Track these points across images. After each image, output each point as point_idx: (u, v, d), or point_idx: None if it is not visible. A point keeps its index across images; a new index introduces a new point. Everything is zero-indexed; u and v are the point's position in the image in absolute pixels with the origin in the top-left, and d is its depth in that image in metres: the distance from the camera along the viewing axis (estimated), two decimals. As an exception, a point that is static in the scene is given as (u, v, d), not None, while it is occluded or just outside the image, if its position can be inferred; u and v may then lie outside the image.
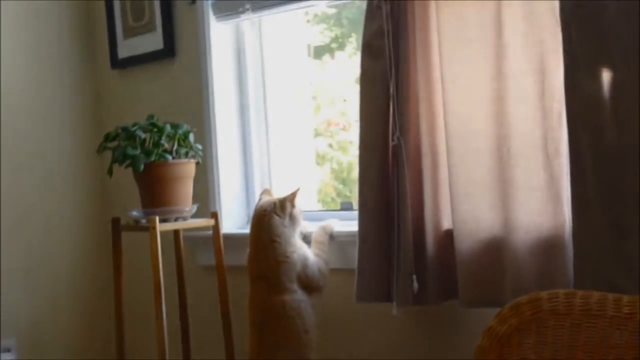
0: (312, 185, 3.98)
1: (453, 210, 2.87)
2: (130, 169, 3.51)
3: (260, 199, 3.41)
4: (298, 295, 3.25)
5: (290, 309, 3.23)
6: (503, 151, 2.79)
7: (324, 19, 4.00)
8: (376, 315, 3.25)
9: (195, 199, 3.63)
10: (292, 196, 3.33)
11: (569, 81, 2.60)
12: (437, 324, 3.10)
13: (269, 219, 3.30)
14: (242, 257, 3.72)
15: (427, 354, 3.13)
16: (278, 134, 3.95)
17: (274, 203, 3.32)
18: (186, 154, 3.56)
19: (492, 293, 2.77)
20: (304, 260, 3.27)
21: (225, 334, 3.68)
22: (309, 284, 3.27)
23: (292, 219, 3.32)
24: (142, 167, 3.44)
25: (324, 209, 3.88)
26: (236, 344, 3.69)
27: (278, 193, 3.48)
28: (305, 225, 3.47)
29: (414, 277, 2.91)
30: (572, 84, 2.59)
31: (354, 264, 3.08)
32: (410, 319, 3.16)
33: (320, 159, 4.02)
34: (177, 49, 4.07)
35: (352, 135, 3.86)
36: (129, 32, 4.25)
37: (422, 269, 2.92)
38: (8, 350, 4.11)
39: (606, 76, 2.54)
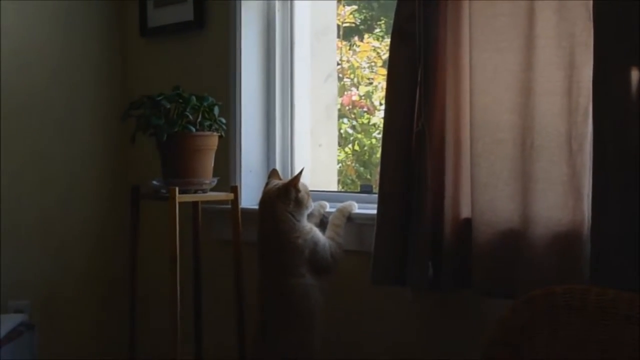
0: (333, 166, 3.98)
1: (473, 200, 2.87)
2: (153, 139, 3.52)
3: (267, 183, 3.40)
4: (306, 280, 3.24)
5: (297, 292, 3.23)
6: (526, 144, 2.78)
7: (355, 0, 3.99)
8: (391, 299, 3.25)
9: (216, 172, 3.64)
10: (295, 180, 3.30)
11: (598, 77, 2.58)
12: (450, 311, 3.10)
13: (273, 206, 3.29)
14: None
15: (439, 339, 3.14)
16: (302, 112, 3.94)
17: (278, 189, 3.30)
18: (210, 127, 3.56)
19: (506, 284, 2.76)
20: (313, 246, 3.26)
21: (237, 308, 3.69)
22: (318, 268, 3.27)
23: (298, 203, 3.30)
24: (165, 136, 3.45)
25: (343, 190, 3.88)
26: (248, 319, 3.69)
27: (289, 174, 3.47)
28: (322, 205, 3.46)
29: (430, 263, 2.91)
30: (601, 80, 2.58)
31: (371, 246, 3.08)
32: (424, 304, 3.16)
33: (343, 140, 4.01)
34: (206, 21, 4.06)
35: (376, 118, 3.86)
36: (160, 1, 4.25)
37: (439, 256, 2.92)
38: (21, 312, 4.13)
39: (635, 74, 2.52)
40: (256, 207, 3.86)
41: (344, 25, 4.00)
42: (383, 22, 3.87)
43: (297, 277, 3.23)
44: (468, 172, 2.89)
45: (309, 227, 3.30)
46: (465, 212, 2.95)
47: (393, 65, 3.06)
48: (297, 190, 3.30)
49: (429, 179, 2.93)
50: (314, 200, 3.62)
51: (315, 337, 3.24)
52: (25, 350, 3.84)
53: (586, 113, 2.68)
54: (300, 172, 3.32)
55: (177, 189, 3.43)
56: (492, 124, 2.82)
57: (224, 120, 3.62)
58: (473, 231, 2.84)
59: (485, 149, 2.83)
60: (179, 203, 3.45)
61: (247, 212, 3.74)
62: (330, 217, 3.41)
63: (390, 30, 3.10)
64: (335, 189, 3.90)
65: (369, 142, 3.95)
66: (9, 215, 4.23)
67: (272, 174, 3.45)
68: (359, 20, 3.99)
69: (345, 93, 4.02)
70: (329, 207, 3.49)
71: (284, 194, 3.29)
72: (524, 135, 2.78)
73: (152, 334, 4.23)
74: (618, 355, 2.31)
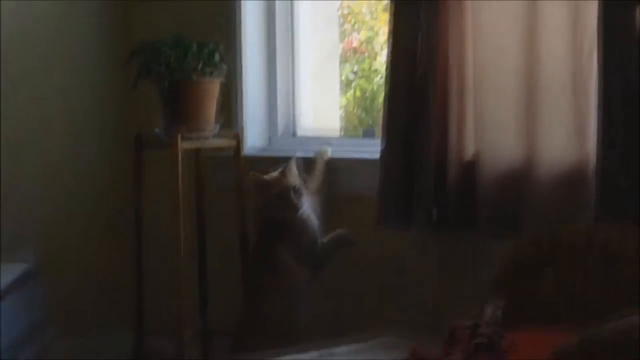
0: (336, 111, 3.97)
1: (477, 141, 2.86)
2: (154, 86, 3.51)
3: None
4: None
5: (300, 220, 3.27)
6: (531, 85, 2.78)
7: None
8: (394, 242, 3.25)
9: (219, 118, 3.62)
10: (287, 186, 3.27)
11: (603, 17, 2.57)
12: (455, 252, 3.10)
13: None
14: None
15: (443, 280, 3.14)
16: (304, 57, 3.92)
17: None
18: (211, 73, 3.54)
19: (511, 224, 2.76)
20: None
21: (242, 256, 3.69)
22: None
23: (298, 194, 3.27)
24: (166, 83, 3.44)
25: (346, 135, 3.87)
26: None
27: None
28: (324, 152, 3.47)
29: (434, 204, 2.91)
30: (606, 20, 2.56)
31: (374, 190, 3.08)
32: (429, 245, 3.16)
33: (345, 85, 4.00)
34: (207, -37, 4.02)
35: (377, 64, 3.84)
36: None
37: (443, 197, 2.93)
38: (24, 261, 4.14)
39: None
40: (259, 153, 3.87)
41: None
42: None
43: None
44: (472, 113, 2.88)
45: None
46: (470, 153, 2.94)
47: (395, 6, 3.03)
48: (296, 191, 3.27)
49: (433, 121, 2.92)
50: (318, 145, 3.62)
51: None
52: (30, 298, 3.85)
53: (591, 53, 2.67)
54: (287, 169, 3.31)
55: (179, 136, 3.42)
56: (496, 64, 2.81)
57: (225, 67, 3.60)
58: (477, 172, 2.84)
59: (489, 90, 2.83)
60: (182, 150, 3.45)
61: (249, 158, 3.73)
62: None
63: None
64: (338, 135, 3.88)
65: (370, 87, 3.93)
66: (11, 165, 4.22)
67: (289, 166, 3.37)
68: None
69: (346, 39, 4.00)
70: (330, 153, 3.48)
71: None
72: (528, 75, 2.78)
73: (158, 282, 4.24)
74: (623, 293, 2.32)
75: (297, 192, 3.24)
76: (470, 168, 2.92)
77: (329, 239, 3.33)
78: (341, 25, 3.98)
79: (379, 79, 3.79)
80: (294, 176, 3.29)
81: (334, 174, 3.48)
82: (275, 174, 3.32)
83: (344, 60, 3.98)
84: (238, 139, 3.64)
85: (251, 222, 3.47)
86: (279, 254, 3.29)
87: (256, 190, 3.32)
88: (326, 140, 3.68)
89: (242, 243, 3.68)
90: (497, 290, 2.36)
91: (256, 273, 3.38)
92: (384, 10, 3.70)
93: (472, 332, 2.09)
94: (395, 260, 3.30)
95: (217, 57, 3.55)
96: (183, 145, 3.45)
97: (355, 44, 3.99)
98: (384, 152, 3.06)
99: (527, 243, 2.42)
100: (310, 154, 3.59)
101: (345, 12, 3.98)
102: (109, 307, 4.44)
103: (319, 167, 3.45)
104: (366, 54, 3.97)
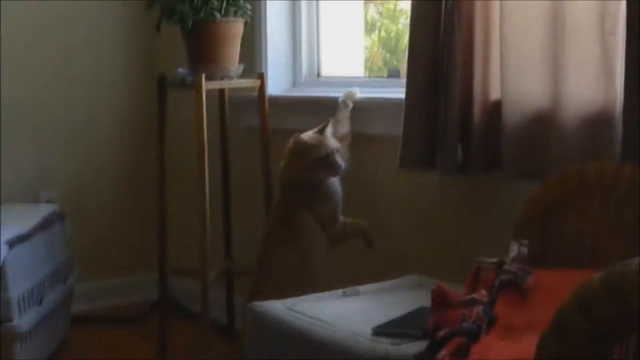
0: (360, 52, 3.94)
1: (503, 81, 2.83)
2: (178, 26, 3.49)
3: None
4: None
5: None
6: (557, 24, 2.73)
7: None
8: (419, 183, 3.25)
9: (242, 60, 3.61)
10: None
11: (631, -46, 2.53)
12: (479, 194, 3.09)
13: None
14: (287, 121, 3.73)
15: (468, 222, 3.14)
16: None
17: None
18: (235, 13, 3.53)
19: (537, 165, 2.74)
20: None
21: (266, 196, 3.70)
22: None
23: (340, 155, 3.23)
24: (190, 23, 3.43)
25: (370, 76, 3.85)
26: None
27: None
28: (352, 95, 3.43)
29: (459, 146, 2.89)
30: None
31: (399, 131, 3.06)
32: (453, 187, 3.15)
33: (369, 26, 3.97)
34: None
35: (403, 3, 3.80)
36: None
37: (468, 139, 2.90)
38: (51, 202, 4.17)
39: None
40: (283, 94, 3.86)
41: None
42: None
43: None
44: (498, 53, 2.85)
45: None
46: (495, 94, 2.92)
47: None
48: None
49: (458, 61, 2.89)
50: (342, 87, 3.60)
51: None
52: (56, 238, 3.88)
53: (619, -7, 2.63)
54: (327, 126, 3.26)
55: (203, 75, 3.41)
56: (522, 3, 2.77)
57: (249, 7, 3.59)
58: (503, 113, 2.82)
59: (515, 30, 2.78)
60: (206, 91, 3.44)
61: (273, 99, 3.72)
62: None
63: None
64: (362, 76, 3.87)
65: (395, 28, 3.90)
66: (37, 110, 4.24)
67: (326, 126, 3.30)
68: None
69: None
70: (359, 94, 3.45)
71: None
72: (555, 15, 2.73)
73: (183, 224, 4.26)
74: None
75: (339, 152, 3.21)
76: (496, 109, 2.89)
77: (351, 224, 3.29)
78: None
79: (404, 19, 3.77)
80: (333, 137, 3.25)
81: (359, 116, 3.47)
82: (316, 135, 3.23)
83: (368, 0, 3.95)
84: (262, 79, 3.63)
85: (277, 179, 3.43)
86: (305, 217, 3.23)
87: (298, 152, 3.22)
88: (351, 82, 3.65)
89: (266, 184, 3.69)
90: (522, 230, 2.36)
91: (276, 232, 3.32)
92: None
93: (497, 269, 2.09)
94: (420, 202, 3.30)
95: (241, -4, 3.54)
96: (207, 85, 3.44)
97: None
98: (408, 94, 3.04)
99: (554, 181, 2.40)
100: (335, 94, 3.59)
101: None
102: (133, 248, 4.48)
103: (346, 113, 3.41)
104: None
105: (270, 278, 3.21)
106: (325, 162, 3.17)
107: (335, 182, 3.25)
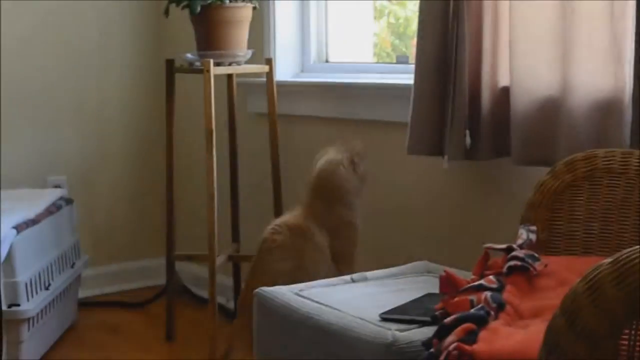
0: (369, 38, 3.94)
1: (511, 67, 2.83)
2: (186, 11, 3.49)
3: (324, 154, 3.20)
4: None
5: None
6: (567, 9, 2.72)
7: None
8: (427, 169, 3.24)
9: (250, 45, 3.61)
10: (362, 153, 3.15)
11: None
12: (487, 180, 3.09)
13: (340, 176, 3.13)
14: (295, 106, 3.73)
15: (476, 208, 3.14)
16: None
17: (345, 159, 3.13)
18: (243, -2, 3.53)
19: (545, 152, 2.74)
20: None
21: (274, 181, 3.70)
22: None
23: (361, 179, 3.16)
24: (198, 8, 3.42)
25: (379, 62, 3.85)
26: (284, 191, 3.71)
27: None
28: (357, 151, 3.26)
29: (467, 131, 2.89)
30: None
31: (407, 117, 3.06)
32: (461, 173, 3.15)
33: (378, 12, 3.96)
34: None
35: (412, -11, 3.80)
36: None
37: (476, 124, 2.90)
38: (59, 187, 4.17)
39: None
40: (291, 79, 3.85)
41: None
42: None
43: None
44: (507, 38, 2.84)
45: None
46: (504, 79, 2.91)
47: None
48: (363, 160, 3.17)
49: (467, 47, 2.89)
50: (350, 72, 3.60)
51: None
52: (64, 223, 3.89)
53: (629, -24, 2.62)
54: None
55: (211, 61, 3.41)
56: (532, -13, 2.77)
57: (257, -9, 3.59)
58: (511, 99, 2.81)
59: (524, 15, 2.78)
60: (214, 76, 3.44)
61: (282, 84, 3.72)
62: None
63: None
64: (371, 61, 3.86)
65: (404, 14, 3.89)
66: (44, 94, 4.24)
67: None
68: None
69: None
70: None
71: (351, 166, 3.14)
72: (564, 0, 2.73)
73: (190, 209, 4.26)
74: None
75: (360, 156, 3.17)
76: (505, 95, 2.89)
77: None
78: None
79: (413, 5, 3.76)
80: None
81: (368, 102, 3.47)
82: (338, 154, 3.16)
83: (376, -14, 3.94)
84: (271, 64, 3.63)
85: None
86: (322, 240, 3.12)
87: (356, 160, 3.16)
88: (359, 67, 3.65)
89: (274, 169, 3.69)
90: (530, 216, 2.35)
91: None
92: None
93: (505, 255, 2.09)
94: (428, 188, 3.30)
95: (249, -19, 3.53)
96: (215, 70, 3.44)
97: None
98: (417, 80, 3.04)
99: (562, 167, 2.39)
100: (344, 80, 3.59)
101: None
102: (141, 233, 4.49)
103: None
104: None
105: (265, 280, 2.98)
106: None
107: (357, 224, 3.17)
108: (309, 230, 3.09)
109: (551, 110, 2.76)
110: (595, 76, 2.69)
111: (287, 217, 3.17)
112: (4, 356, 3.31)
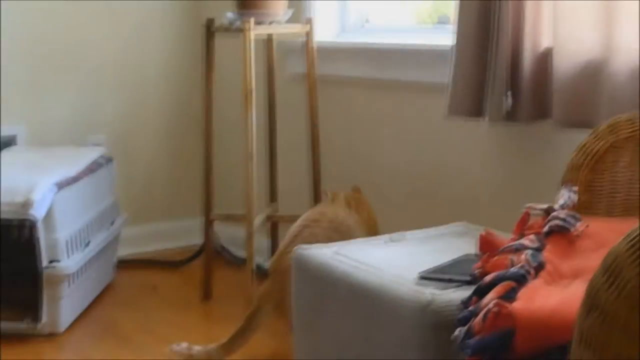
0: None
1: (554, 29, 2.80)
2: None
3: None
4: None
5: None
6: (611, -29, 2.69)
7: None
8: (467, 131, 3.23)
9: (290, 4, 3.59)
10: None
11: None
12: (528, 143, 3.07)
13: None
14: (334, 67, 3.72)
15: (516, 170, 3.12)
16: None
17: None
18: (284, -43, 3.51)
19: (587, 114, 2.72)
20: None
21: (312, 142, 3.70)
22: None
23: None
24: (239, -33, 3.42)
25: (419, 23, 3.82)
26: (322, 153, 3.71)
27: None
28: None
29: (508, 93, 2.87)
30: None
31: (447, 79, 3.04)
32: (501, 135, 3.13)
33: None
34: None
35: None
36: None
37: (517, 87, 2.88)
38: (99, 146, 4.19)
39: None
40: (331, 40, 3.84)
41: None
42: None
43: None
44: (549, 1, 2.81)
45: None
46: (546, 41, 2.89)
47: None
48: None
49: (509, 8, 2.86)
50: (390, 33, 3.57)
51: None
52: (103, 182, 3.91)
53: None
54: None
55: (252, 20, 3.40)
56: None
57: (298, -49, 3.57)
58: (553, 61, 2.79)
59: (567, -24, 2.75)
60: (253, 36, 3.43)
61: (321, 45, 3.71)
62: None
63: None
64: (411, 23, 3.83)
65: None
66: (85, 55, 4.26)
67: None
68: None
69: None
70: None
71: None
72: (609, -40, 2.69)
73: (228, 170, 4.27)
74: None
75: None
76: (546, 57, 2.86)
77: None
78: None
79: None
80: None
81: (408, 63, 3.45)
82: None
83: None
84: (311, 24, 3.62)
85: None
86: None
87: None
88: (399, 28, 3.63)
89: (312, 131, 3.69)
90: (571, 177, 2.34)
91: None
92: None
93: (546, 215, 2.07)
94: (468, 150, 3.28)
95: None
96: (255, 30, 3.43)
97: None
98: (458, 41, 3.01)
99: (604, 130, 2.37)
100: (383, 42, 3.57)
101: None
102: (179, 193, 4.51)
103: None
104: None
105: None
106: None
107: None
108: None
109: (593, 73, 2.73)
110: (638, 39, 2.66)
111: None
112: (44, 312, 3.35)
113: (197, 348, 3.02)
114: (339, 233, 3.04)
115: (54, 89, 4.17)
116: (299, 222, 3.15)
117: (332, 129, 3.75)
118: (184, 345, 3.03)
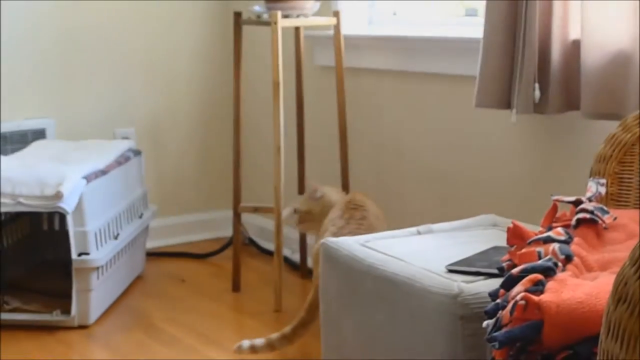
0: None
1: (582, 20, 2.78)
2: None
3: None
4: None
5: None
6: (642, -40, 2.68)
7: None
8: (495, 122, 3.22)
9: (318, -3, 3.60)
10: None
11: None
12: (556, 134, 3.06)
13: None
14: (362, 59, 3.72)
15: (544, 162, 3.11)
16: None
17: None
18: (312, -50, 3.52)
19: (615, 106, 2.70)
20: None
21: (340, 134, 3.70)
22: None
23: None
24: (268, -41, 3.42)
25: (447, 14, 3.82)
26: (350, 145, 3.71)
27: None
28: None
29: (536, 85, 2.86)
30: None
31: (475, 70, 3.03)
32: (529, 127, 3.12)
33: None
34: None
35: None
36: None
37: (545, 78, 2.87)
38: (127, 139, 4.22)
39: None
40: (358, 32, 3.84)
41: None
42: None
43: None
44: (579, -9, 2.81)
45: None
46: (574, 32, 2.87)
47: None
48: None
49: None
50: (418, 26, 3.56)
51: None
52: (133, 173, 3.93)
53: None
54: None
55: (279, 13, 3.41)
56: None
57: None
58: (582, 52, 2.77)
59: (597, -34, 2.73)
60: (281, 28, 3.44)
61: (348, 37, 3.71)
62: None
63: None
64: (437, 16, 3.83)
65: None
66: (115, 47, 4.28)
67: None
68: None
69: None
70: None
71: None
72: (639, -50, 2.68)
73: (257, 161, 4.28)
74: None
75: None
76: (575, 49, 2.85)
77: None
78: None
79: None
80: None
81: (436, 55, 3.45)
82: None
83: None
84: (338, 17, 3.62)
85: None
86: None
87: None
88: (427, 21, 3.62)
89: (341, 122, 3.69)
90: (600, 169, 2.33)
91: None
92: None
93: (574, 207, 2.07)
94: (496, 141, 3.28)
95: None
96: (283, 22, 3.44)
97: None
98: (486, 32, 3.01)
99: (633, 121, 2.36)
100: (411, 34, 3.56)
101: None
102: (208, 185, 4.53)
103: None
104: None
105: None
106: None
107: None
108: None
109: (622, 64, 2.72)
110: (669, 30, 2.65)
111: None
112: (74, 304, 3.38)
113: (259, 341, 3.01)
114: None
115: (83, 82, 4.20)
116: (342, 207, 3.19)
117: (360, 120, 3.75)
118: (246, 343, 3.00)
